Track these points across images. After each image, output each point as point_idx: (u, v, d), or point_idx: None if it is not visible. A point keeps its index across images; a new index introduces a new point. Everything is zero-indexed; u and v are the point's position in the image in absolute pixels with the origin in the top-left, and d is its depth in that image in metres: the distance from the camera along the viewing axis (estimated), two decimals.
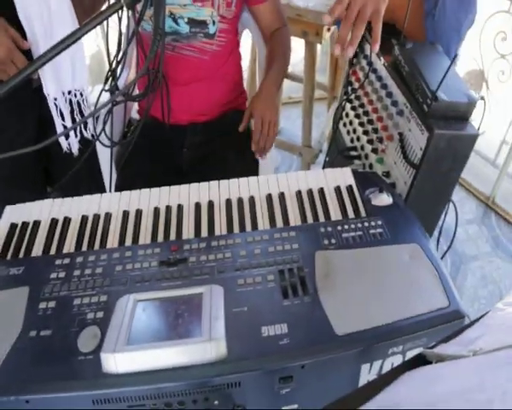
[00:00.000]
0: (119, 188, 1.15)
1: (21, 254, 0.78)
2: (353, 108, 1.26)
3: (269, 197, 0.86)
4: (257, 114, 1.15)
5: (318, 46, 1.71)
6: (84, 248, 0.79)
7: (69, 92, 1.07)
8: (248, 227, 0.81)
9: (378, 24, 0.88)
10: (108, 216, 0.84)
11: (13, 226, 0.83)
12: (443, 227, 1.03)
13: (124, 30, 1.17)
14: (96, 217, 0.84)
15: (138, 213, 0.85)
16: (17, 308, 0.66)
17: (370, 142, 1.14)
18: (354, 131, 1.24)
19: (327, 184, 0.88)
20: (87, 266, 0.72)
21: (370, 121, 1.16)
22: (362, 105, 1.22)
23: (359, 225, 0.77)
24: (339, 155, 1.23)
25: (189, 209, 0.85)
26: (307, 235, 0.76)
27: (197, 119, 1.29)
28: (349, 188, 0.87)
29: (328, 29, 1.64)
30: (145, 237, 0.80)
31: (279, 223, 0.81)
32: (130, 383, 0.56)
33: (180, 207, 0.85)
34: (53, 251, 0.78)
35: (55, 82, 1.05)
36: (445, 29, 1.24)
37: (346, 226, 0.77)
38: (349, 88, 1.30)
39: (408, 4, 1.11)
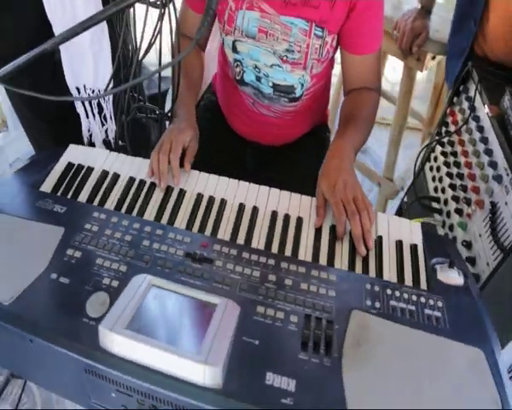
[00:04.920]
0: None
1: (69, 195, 0.77)
2: (444, 154, 1.10)
3: (318, 229, 0.75)
4: (333, 195, 0.75)
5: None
6: (123, 210, 0.76)
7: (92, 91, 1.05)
8: (288, 251, 0.71)
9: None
10: (153, 187, 0.80)
11: (69, 166, 0.82)
12: None
13: None
14: (142, 183, 0.80)
15: (181, 193, 0.78)
16: (48, 245, 0.65)
17: (456, 199, 0.99)
18: (440, 179, 1.09)
19: (388, 233, 0.76)
20: (119, 229, 0.69)
21: (460, 176, 1.01)
22: (454, 153, 1.07)
23: (414, 297, 0.64)
24: (417, 201, 1.08)
25: (231, 208, 0.77)
26: (349, 286, 0.64)
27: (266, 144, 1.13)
28: (413, 247, 0.74)
29: (434, 57, 1.46)
30: (181, 222, 0.75)
31: (322, 259, 0.71)
32: (121, 369, 0.53)
33: (223, 203, 0.77)
34: (96, 202, 0.77)
35: (74, 76, 1.03)
36: None
37: (397, 293, 0.64)
38: (443, 129, 1.14)
39: None
